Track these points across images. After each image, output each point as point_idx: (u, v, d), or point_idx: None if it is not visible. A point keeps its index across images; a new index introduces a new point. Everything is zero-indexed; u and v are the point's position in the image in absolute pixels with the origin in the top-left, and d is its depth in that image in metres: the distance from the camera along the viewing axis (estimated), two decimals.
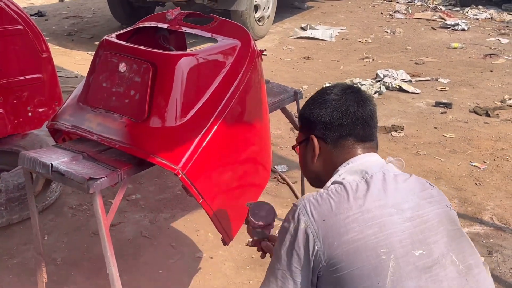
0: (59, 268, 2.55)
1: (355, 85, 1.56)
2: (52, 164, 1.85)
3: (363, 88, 4.91)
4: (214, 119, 1.95)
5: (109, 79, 2.01)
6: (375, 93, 4.95)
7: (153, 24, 2.29)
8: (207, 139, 1.92)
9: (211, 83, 1.99)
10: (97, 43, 6.80)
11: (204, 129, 1.92)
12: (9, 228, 2.82)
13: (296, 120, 2.71)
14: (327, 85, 4.92)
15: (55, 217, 2.95)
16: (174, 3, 6.91)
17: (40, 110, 3.31)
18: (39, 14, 7.72)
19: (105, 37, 2.12)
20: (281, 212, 3.03)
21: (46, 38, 5.97)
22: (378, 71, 5.40)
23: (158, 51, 1.98)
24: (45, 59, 3.28)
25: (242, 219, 2.20)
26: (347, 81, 5.10)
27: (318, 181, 1.53)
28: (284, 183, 3.25)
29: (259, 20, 6.77)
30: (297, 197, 2.95)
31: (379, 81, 5.22)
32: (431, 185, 1.47)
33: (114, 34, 2.18)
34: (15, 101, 3.19)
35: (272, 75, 5.48)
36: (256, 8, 6.67)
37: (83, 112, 2.05)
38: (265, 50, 2.33)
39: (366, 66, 5.84)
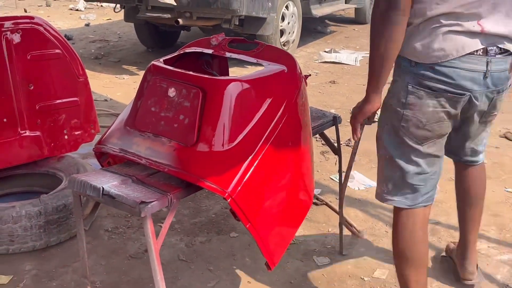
0: None
1: None
2: (103, 188, 1.86)
3: None
4: (262, 143, 1.96)
5: (158, 104, 2.04)
6: None
7: (199, 49, 2.32)
8: (255, 164, 1.93)
9: (259, 108, 2.00)
10: (125, 66, 6.82)
11: (253, 154, 1.93)
12: (47, 251, 2.83)
13: (335, 143, 2.72)
14: None
15: (92, 240, 2.96)
16: (200, 28, 7.00)
17: (76, 133, 3.36)
18: (66, 37, 7.85)
19: (153, 62, 2.15)
20: (316, 238, 3.01)
21: None
22: None
23: (207, 76, 2.01)
24: (82, 83, 3.34)
25: (286, 244, 2.20)
26: None
27: None
28: (322, 203, 3.26)
29: (284, 45, 6.83)
30: (337, 213, 2.94)
31: None
32: None
33: (161, 59, 2.21)
34: (52, 124, 3.24)
35: None
36: (282, 32, 6.73)
37: (131, 136, 2.07)
38: (310, 75, 2.35)
39: None
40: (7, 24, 3.09)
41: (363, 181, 3.67)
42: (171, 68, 2.08)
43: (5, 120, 3.11)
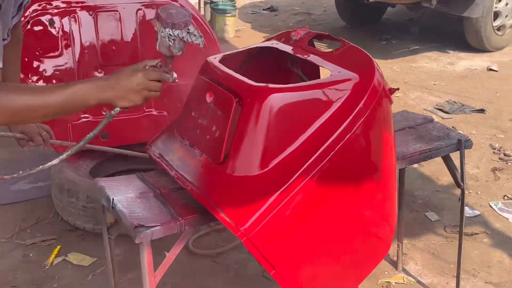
0: None
1: None
2: (113, 199, 1.64)
3: None
4: (301, 173, 1.53)
5: (198, 109, 1.73)
6: None
7: (275, 45, 1.93)
8: (287, 198, 1.52)
9: (307, 128, 1.56)
10: None
11: (286, 185, 1.52)
12: None
13: (458, 174, 2.12)
14: None
15: None
16: (406, 6, 6.33)
17: None
18: (271, 9, 7.82)
19: (209, 58, 1.84)
20: (436, 281, 2.44)
21: (267, 34, 6.08)
22: None
23: (246, 81, 1.61)
24: None
25: None
26: None
27: None
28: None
29: (498, 29, 5.83)
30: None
31: None
32: None
33: (224, 54, 1.88)
34: (179, 105, 3.06)
35: (496, 96, 4.64)
36: (496, 15, 5.75)
37: (172, 141, 1.81)
38: (398, 89, 1.78)
39: None
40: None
41: None
42: (216, 66, 1.75)
43: None
